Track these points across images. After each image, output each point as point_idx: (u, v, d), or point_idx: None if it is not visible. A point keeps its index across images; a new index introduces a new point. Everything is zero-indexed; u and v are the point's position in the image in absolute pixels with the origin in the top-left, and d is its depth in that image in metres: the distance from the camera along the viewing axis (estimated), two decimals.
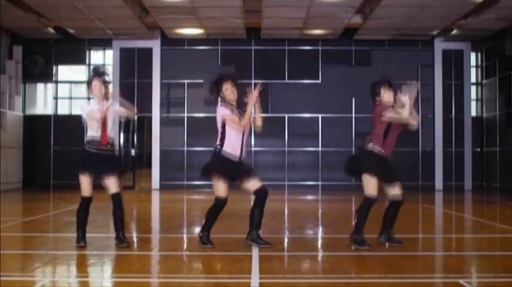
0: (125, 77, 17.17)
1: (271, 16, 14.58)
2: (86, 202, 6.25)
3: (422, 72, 17.30)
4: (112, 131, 6.19)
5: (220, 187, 6.13)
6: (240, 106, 6.19)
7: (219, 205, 6.18)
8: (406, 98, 6.08)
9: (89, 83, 6.27)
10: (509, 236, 7.46)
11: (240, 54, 17.19)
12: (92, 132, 6.15)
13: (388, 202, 6.27)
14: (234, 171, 6.11)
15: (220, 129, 6.14)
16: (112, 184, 6.18)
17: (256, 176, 6.16)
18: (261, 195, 6.10)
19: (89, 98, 17.61)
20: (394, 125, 6.16)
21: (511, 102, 15.91)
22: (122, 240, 6.15)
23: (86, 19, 14.75)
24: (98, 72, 6.30)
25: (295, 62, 17.25)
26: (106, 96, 6.24)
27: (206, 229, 6.17)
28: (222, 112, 6.07)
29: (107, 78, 6.31)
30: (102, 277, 4.98)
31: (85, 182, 6.17)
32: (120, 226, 6.21)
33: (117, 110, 6.25)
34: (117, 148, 6.47)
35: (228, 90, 6.12)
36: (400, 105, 6.14)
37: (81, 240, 6.13)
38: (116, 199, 6.24)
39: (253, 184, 6.10)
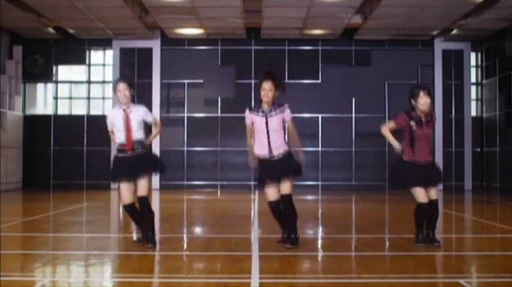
0: (125, 77, 17.15)
1: (271, 16, 14.58)
2: (128, 208, 6.22)
3: (422, 72, 17.31)
4: (138, 133, 6.12)
5: (268, 192, 6.08)
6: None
7: (271, 208, 6.14)
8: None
9: (114, 87, 6.21)
10: (509, 236, 7.45)
11: (240, 54, 17.20)
12: (118, 138, 6.15)
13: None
14: (270, 170, 6.05)
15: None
16: (141, 186, 6.12)
17: (287, 179, 6.05)
18: (283, 202, 6.09)
19: (89, 98, 17.64)
20: (418, 132, 6.19)
21: (511, 102, 15.91)
22: (150, 240, 6.13)
23: (86, 19, 14.75)
24: (123, 76, 6.34)
25: (295, 62, 17.25)
26: (131, 100, 6.19)
27: (283, 229, 6.18)
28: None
29: (130, 82, 6.29)
30: (102, 277, 4.97)
31: (123, 189, 6.14)
32: (151, 226, 6.17)
33: (141, 114, 6.18)
34: (149, 148, 6.36)
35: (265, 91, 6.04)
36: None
37: (150, 241, 6.11)
38: (143, 202, 6.18)
39: (281, 188, 6.08)
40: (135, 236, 6.62)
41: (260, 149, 6.08)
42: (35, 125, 17.29)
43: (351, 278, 4.79)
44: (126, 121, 6.08)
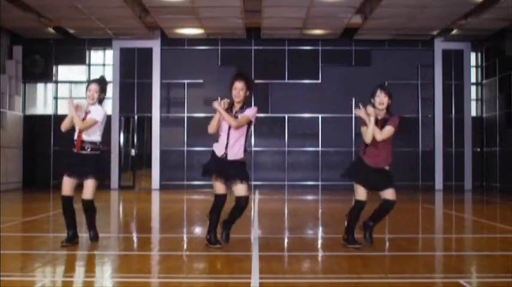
0: (125, 77, 17.17)
1: (271, 16, 14.58)
2: (66, 202, 6.37)
3: (422, 72, 17.31)
4: (89, 134, 6.30)
5: (216, 185, 6.24)
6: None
7: (216, 201, 6.23)
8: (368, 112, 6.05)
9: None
10: (509, 236, 7.46)
11: (240, 54, 17.19)
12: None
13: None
14: (220, 168, 6.20)
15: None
16: (86, 187, 6.37)
17: (240, 182, 6.08)
18: (239, 204, 6.13)
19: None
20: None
21: (511, 102, 15.91)
22: (92, 237, 6.29)
23: (86, 19, 14.75)
24: (97, 78, 6.44)
25: (295, 62, 17.24)
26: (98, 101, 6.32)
27: (212, 230, 6.16)
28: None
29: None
30: (102, 277, 4.97)
31: (65, 182, 6.47)
32: (90, 224, 6.32)
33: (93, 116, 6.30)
34: (100, 149, 6.43)
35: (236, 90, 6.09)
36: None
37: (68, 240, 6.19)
38: (85, 205, 6.36)
39: (236, 191, 6.12)
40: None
41: (218, 147, 6.25)
42: (35, 125, 17.29)
43: (351, 278, 4.79)
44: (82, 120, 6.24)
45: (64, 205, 6.37)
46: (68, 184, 6.35)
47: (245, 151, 6.20)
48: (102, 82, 6.41)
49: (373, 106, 6.19)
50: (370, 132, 6.02)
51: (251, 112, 6.11)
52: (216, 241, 6.11)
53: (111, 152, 16.43)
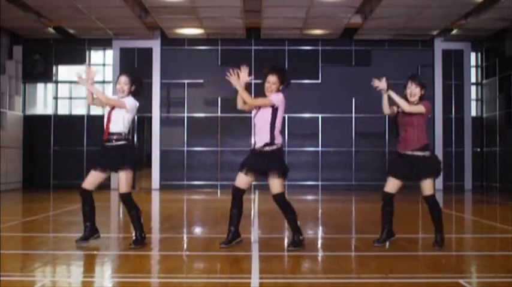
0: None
1: (271, 16, 14.58)
2: (83, 195, 6.25)
3: (422, 72, 17.28)
4: (116, 126, 6.14)
5: (238, 176, 6.15)
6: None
7: (232, 193, 6.18)
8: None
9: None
10: (509, 236, 7.46)
11: (240, 54, 17.19)
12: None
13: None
14: (251, 161, 6.09)
15: None
16: (118, 181, 6.17)
17: (271, 176, 5.98)
18: (276, 203, 6.08)
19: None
20: (399, 117, 6.16)
21: (511, 102, 15.91)
22: (136, 241, 6.16)
23: (86, 19, 14.75)
24: (125, 70, 6.36)
25: (295, 62, 17.24)
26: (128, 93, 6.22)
27: (229, 225, 6.13)
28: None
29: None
30: (102, 277, 4.97)
31: (90, 175, 6.21)
32: (135, 226, 6.20)
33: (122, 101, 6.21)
34: (129, 140, 6.30)
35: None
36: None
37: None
38: (121, 199, 6.22)
39: (270, 188, 6.06)
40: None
41: (252, 138, 6.18)
42: (35, 125, 17.29)
43: (351, 278, 4.79)
44: (109, 112, 6.15)
45: (81, 198, 6.20)
46: (90, 177, 6.14)
47: (274, 138, 5.98)
48: (132, 73, 6.26)
49: (406, 99, 6.16)
50: (385, 103, 6.17)
51: (274, 97, 6.03)
52: (228, 241, 6.06)
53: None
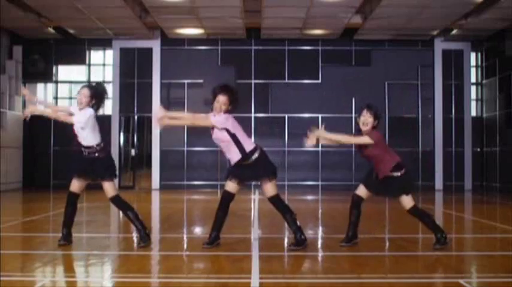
0: (125, 77, 17.17)
1: (271, 16, 14.58)
2: (70, 197, 6.34)
3: (422, 72, 17.31)
4: (84, 139, 6.18)
5: (228, 183, 6.15)
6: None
7: (222, 196, 6.18)
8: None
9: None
10: (509, 236, 7.46)
11: (240, 54, 17.19)
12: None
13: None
14: (239, 171, 6.11)
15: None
16: (104, 188, 6.28)
17: (266, 182, 6.05)
18: (271, 204, 6.13)
19: None
20: (360, 153, 6.21)
21: (511, 102, 15.91)
22: (141, 238, 6.20)
23: (86, 19, 14.75)
24: (88, 85, 6.43)
25: (295, 62, 17.24)
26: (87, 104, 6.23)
27: (213, 228, 6.15)
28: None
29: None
30: (102, 277, 4.97)
31: (74, 180, 6.31)
32: (135, 225, 6.23)
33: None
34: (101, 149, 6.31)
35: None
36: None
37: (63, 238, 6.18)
38: (112, 202, 6.32)
39: (263, 192, 6.13)
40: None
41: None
42: (35, 125, 17.25)
43: (351, 278, 4.79)
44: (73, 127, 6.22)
45: (68, 201, 6.30)
46: (76, 183, 6.26)
47: (245, 151, 5.97)
48: (94, 88, 6.25)
49: (357, 124, 6.22)
50: (342, 141, 6.32)
51: (216, 119, 6.03)
52: (211, 241, 6.08)
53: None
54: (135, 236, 6.99)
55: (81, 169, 6.21)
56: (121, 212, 6.37)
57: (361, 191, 6.27)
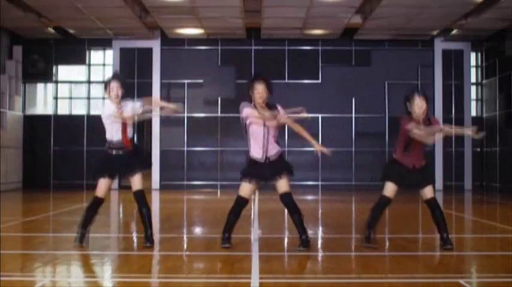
0: (125, 77, 17.13)
1: (271, 16, 14.58)
2: (97, 203, 6.20)
3: (422, 72, 17.31)
4: (130, 131, 6.22)
5: (244, 186, 6.09)
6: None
7: (237, 202, 6.13)
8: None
9: (106, 85, 6.20)
10: (509, 236, 7.46)
11: (240, 54, 17.20)
12: (111, 135, 6.16)
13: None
14: (259, 170, 6.05)
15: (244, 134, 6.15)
16: (135, 181, 6.14)
17: (279, 177, 6.04)
18: (285, 201, 6.09)
19: (89, 98, 17.64)
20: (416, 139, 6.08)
21: (511, 102, 15.91)
22: (149, 239, 6.14)
23: (86, 19, 14.75)
24: (115, 75, 6.32)
25: (295, 62, 17.25)
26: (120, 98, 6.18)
27: (225, 230, 6.10)
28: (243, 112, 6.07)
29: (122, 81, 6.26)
30: (102, 277, 4.97)
31: (102, 184, 6.13)
32: (147, 224, 6.18)
33: (128, 110, 6.17)
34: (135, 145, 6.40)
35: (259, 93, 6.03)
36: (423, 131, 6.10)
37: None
38: (140, 196, 6.19)
39: (279, 187, 6.08)
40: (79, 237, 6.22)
41: (255, 150, 6.06)
42: (35, 125, 17.29)
43: (351, 278, 4.79)
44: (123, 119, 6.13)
45: (94, 205, 6.18)
46: (105, 186, 6.14)
47: (278, 143, 6.20)
48: (120, 78, 6.26)
49: (407, 111, 6.22)
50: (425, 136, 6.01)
51: (284, 113, 6.22)
52: (225, 240, 6.06)
53: None
54: (135, 236, 7.00)
55: (115, 169, 6.14)
56: (137, 207, 6.26)
57: (391, 191, 6.13)
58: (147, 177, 17.27)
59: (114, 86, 6.13)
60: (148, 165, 6.45)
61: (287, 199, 6.07)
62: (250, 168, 6.07)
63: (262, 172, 6.03)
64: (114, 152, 6.15)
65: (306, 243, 5.98)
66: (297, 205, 6.11)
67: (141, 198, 6.20)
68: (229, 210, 6.15)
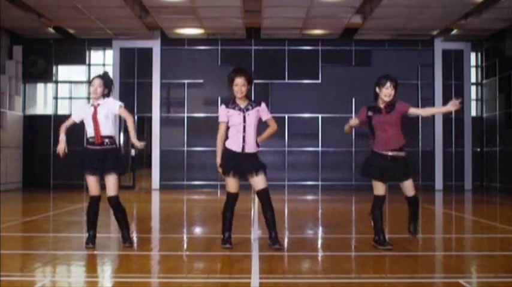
0: (125, 77, 17.17)
1: (271, 16, 14.58)
2: (93, 201, 6.21)
3: (422, 72, 17.31)
4: (106, 128, 6.15)
5: (229, 182, 6.10)
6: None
7: (228, 198, 6.15)
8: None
9: (90, 82, 6.29)
10: (509, 236, 7.46)
11: (240, 54, 17.19)
12: (88, 130, 6.27)
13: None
14: (237, 163, 6.05)
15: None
16: (109, 184, 6.12)
17: (256, 174, 6.07)
18: (261, 197, 6.10)
19: (89, 98, 17.64)
20: (376, 119, 6.11)
21: (511, 102, 15.91)
22: (128, 239, 6.17)
23: (86, 19, 14.75)
24: (102, 74, 6.34)
25: (295, 62, 17.24)
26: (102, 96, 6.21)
27: (225, 229, 6.11)
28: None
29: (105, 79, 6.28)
30: (102, 277, 4.97)
31: (90, 181, 6.16)
32: (123, 225, 6.21)
33: (109, 107, 6.18)
34: (117, 143, 6.39)
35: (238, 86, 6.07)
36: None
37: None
38: (114, 204, 6.19)
39: (255, 184, 6.09)
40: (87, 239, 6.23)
41: (232, 144, 6.07)
42: (35, 125, 17.29)
43: (351, 278, 4.79)
44: (94, 115, 6.16)
45: (92, 204, 6.21)
46: (94, 183, 6.16)
47: (257, 144, 6.18)
48: (105, 77, 6.28)
49: (376, 97, 6.19)
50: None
51: (267, 113, 6.20)
52: (226, 240, 6.07)
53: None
54: (135, 236, 7.00)
55: (94, 165, 6.13)
56: (113, 212, 6.27)
57: (381, 188, 6.09)
58: (147, 177, 17.31)
59: (96, 83, 6.20)
60: (122, 169, 6.35)
61: (264, 195, 6.10)
62: (228, 162, 6.06)
63: (240, 163, 6.04)
64: (90, 147, 6.21)
65: (275, 240, 6.02)
66: (271, 202, 6.12)
67: (116, 205, 6.19)
68: (223, 209, 6.17)
